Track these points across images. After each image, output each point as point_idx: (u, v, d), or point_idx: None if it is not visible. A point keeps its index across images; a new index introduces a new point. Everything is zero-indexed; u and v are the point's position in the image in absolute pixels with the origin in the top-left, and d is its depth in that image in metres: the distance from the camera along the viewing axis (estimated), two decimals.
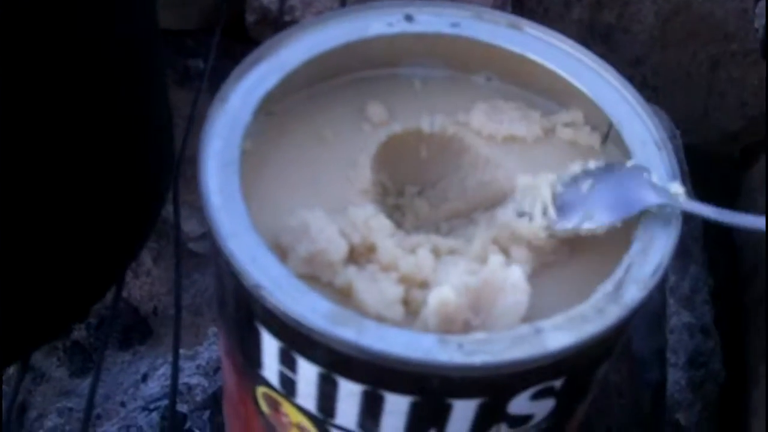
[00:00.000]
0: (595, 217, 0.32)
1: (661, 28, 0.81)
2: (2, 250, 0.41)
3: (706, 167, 0.79)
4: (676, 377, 0.61)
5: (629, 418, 0.58)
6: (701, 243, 0.68)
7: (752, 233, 0.75)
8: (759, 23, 0.95)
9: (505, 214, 0.34)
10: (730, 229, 0.77)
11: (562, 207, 0.33)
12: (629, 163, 0.34)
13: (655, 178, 0.33)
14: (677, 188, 0.32)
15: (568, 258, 0.33)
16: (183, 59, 0.75)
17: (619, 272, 0.31)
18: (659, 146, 0.34)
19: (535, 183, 0.34)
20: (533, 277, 0.32)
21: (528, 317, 0.30)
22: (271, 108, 0.36)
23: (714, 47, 0.81)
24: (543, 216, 0.33)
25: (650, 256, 0.31)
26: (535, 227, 0.33)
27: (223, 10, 0.65)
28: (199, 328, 0.76)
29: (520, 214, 0.34)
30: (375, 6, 0.37)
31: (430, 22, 0.37)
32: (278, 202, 0.34)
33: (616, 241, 0.32)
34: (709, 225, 0.71)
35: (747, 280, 0.71)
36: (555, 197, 0.34)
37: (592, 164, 0.34)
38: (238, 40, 0.74)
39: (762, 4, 1.02)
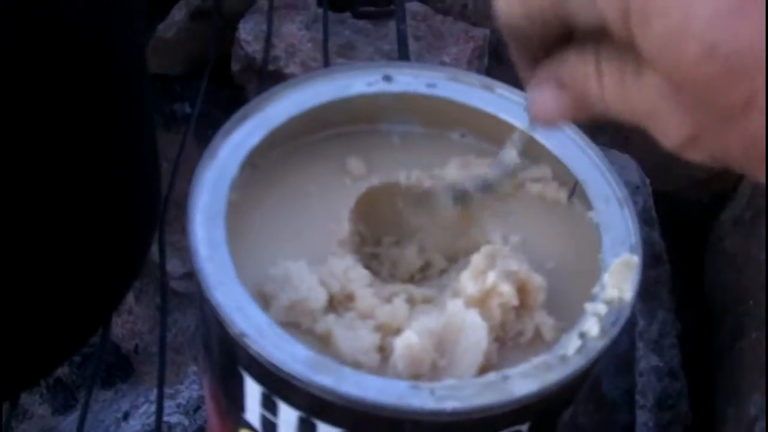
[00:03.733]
0: None
1: None
2: None
3: (675, 213, 0.82)
4: (644, 419, 0.63)
5: None
6: (669, 287, 0.71)
7: (720, 277, 0.77)
8: None
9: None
10: (700, 272, 0.80)
11: None
12: None
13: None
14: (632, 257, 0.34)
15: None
16: (169, 103, 0.77)
17: (583, 321, 0.33)
18: (621, 204, 0.36)
19: None
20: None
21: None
22: (257, 161, 0.37)
23: None
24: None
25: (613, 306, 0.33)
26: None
27: (211, 57, 0.67)
28: (179, 367, 0.77)
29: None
30: (356, 66, 0.40)
31: (407, 82, 0.40)
32: (262, 252, 0.35)
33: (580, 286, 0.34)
34: (677, 269, 0.73)
35: (714, 323, 0.73)
36: None
37: None
38: (223, 85, 0.76)
39: None
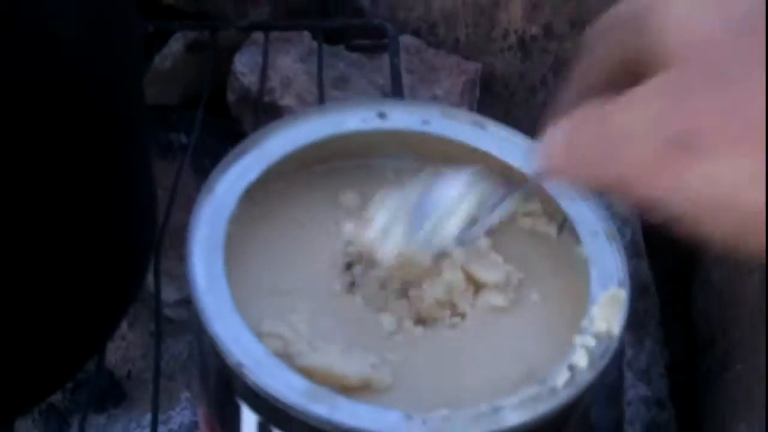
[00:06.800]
0: None
1: None
2: None
3: (663, 245, 0.83)
4: None
5: None
6: (657, 318, 0.72)
7: (708, 308, 0.78)
8: None
9: None
10: (687, 302, 0.81)
11: None
12: None
13: None
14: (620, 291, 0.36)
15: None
16: (165, 133, 0.78)
17: (572, 354, 0.33)
18: (609, 239, 0.37)
19: None
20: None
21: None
22: (254, 196, 0.38)
23: None
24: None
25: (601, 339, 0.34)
26: None
27: (207, 88, 0.68)
28: (172, 393, 0.78)
29: None
30: (351, 103, 0.41)
31: (401, 119, 0.41)
32: (259, 282, 0.36)
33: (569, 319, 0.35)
34: (665, 300, 0.74)
35: (702, 353, 0.74)
36: None
37: None
38: (219, 116, 0.77)
39: None
